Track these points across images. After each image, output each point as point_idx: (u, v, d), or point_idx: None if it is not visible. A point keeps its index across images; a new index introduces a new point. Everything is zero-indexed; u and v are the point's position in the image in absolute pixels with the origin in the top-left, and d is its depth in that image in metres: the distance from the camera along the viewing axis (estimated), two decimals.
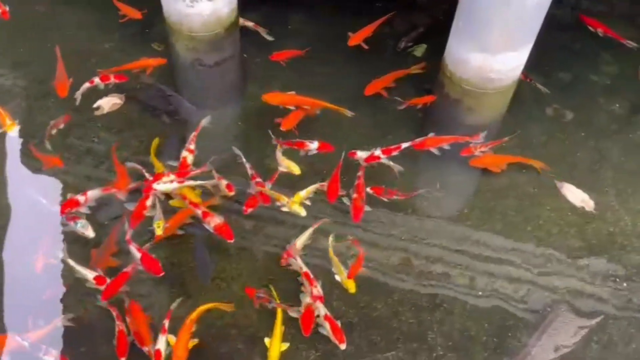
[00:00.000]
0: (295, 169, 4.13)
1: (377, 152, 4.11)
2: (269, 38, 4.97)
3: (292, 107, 4.35)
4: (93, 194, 3.84)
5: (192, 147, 4.02)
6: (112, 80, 4.46)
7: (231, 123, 4.65)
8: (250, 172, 4.00)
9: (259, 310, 3.56)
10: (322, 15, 5.36)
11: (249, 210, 3.87)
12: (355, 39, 4.86)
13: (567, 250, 4.00)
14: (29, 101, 4.62)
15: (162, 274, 3.42)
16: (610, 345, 3.59)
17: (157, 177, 3.78)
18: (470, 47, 3.80)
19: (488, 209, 4.20)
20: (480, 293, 3.79)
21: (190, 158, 3.97)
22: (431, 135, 4.17)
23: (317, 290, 3.50)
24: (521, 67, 4.00)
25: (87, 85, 4.43)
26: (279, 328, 3.43)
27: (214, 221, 3.60)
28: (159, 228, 3.65)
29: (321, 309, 3.44)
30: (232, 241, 3.61)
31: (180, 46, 4.55)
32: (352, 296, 3.68)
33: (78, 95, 4.40)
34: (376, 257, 3.91)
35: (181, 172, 3.86)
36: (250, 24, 4.96)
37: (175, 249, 3.84)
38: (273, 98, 4.37)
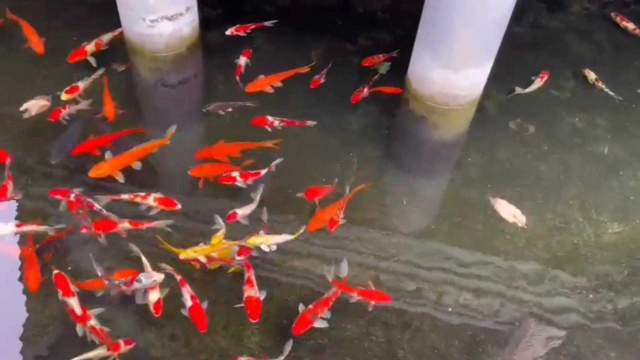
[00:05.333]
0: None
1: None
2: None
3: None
4: None
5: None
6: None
7: (192, 145, 4.58)
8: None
9: None
10: (285, 33, 5.36)
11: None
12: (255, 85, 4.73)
13: (534, 263, 4.03)
14: None
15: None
16: (578, 356, 3.61)
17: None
18: (433, 63, 3.84)
19: (455, 223, 4.21)
20: (450, 309, 3.78)
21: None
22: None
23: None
24: (483, 83, 4.06)
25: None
26: None
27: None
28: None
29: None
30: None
31: (142, 66, 4.48)
32: (323, 317, 3.62)
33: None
34: (346, 275, 3.86)
35: None
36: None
37: None
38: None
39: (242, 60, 4.97)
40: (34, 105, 4.31)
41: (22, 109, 4.33)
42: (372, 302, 3.63)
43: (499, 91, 5.00)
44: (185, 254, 3.62)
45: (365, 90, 4.73)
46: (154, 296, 3.43)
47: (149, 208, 3.87)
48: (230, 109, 4.56)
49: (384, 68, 5.18)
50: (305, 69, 4.88)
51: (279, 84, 4.75)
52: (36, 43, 4.66)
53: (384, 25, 5.57)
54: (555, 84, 5.27)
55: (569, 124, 4.98)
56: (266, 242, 3.80)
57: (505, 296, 3.87)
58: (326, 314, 3.53)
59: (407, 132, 4.42)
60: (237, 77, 4.86)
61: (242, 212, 3.92)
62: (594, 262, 4.06)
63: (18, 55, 4.82)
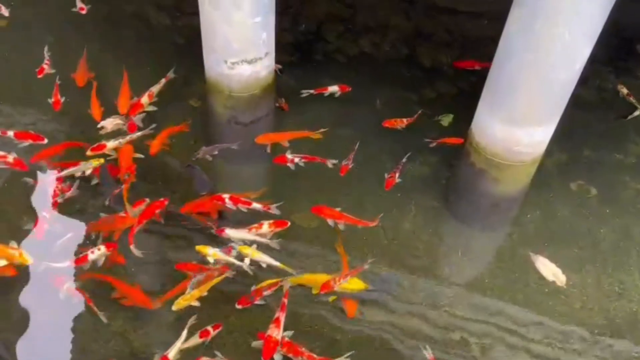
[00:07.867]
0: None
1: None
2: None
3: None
4: None
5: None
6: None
7: (258, 181, 4.82)
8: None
9: None
10: (352, 80, 5.52)
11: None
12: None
13: (590, 328, 3.94)
14: None
15: None
16: None
17: None
18: (497, 119, 3.93)
19: (510, 280, 4.19)
20: None
21: None
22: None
23: None
24: (547, 142, 4.10)
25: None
26: None
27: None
28: None
29: None
30: None
31: (218, 104, 4.76)
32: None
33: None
34: (394, 321, 3.90)
35: None
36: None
37: None
38: None
39: (334, 88, 5.19)
40: (110, 123, 4.86)
41: (99, 126, 4.86)
42: None
43: (561, 150, 5.01)
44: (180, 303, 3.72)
45: (397, 175, 4.66)
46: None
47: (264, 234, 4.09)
48: (216, 152, 4.69)
49: (446, 120, 5.30)
50: (316, 135, 4.89)
51: (286, 144, 4.78)
52: (122, 105, 5.02)
53: (449, 79, 5.71)
54: (620, 149, 5.22)
55: (634, 190, 4.90)
56: (252, 256, 3.92)
57: (557, 359, 3.80)
58: None
59: (466, 184, 4.48)
60: (315, 92, 5.13)
61: (232, 233, 4.06)
62: None
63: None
